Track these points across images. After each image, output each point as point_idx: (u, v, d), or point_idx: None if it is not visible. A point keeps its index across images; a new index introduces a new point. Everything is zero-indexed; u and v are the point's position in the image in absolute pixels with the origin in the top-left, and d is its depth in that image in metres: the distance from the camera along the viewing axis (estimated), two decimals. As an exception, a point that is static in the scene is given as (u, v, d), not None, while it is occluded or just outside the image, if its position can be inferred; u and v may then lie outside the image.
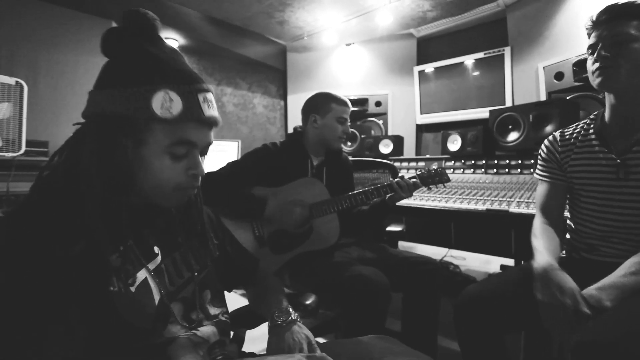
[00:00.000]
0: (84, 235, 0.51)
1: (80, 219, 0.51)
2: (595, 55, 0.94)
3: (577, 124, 1.12)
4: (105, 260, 0.53)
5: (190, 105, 0.56)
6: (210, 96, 0.61)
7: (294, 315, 0.73)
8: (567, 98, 2.04)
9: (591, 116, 1.08)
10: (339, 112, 1.41)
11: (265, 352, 0.69)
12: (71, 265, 0.50)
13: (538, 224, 1.09)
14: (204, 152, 0.63)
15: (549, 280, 0.87)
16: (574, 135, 1.08)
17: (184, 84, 0.57)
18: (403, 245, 3.35)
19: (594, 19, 0.95)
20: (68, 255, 0.49)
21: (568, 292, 0.82)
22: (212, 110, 0.60)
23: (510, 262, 2.45)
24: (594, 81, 0.96)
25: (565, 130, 1.12)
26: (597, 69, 0.93)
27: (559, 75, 2.35)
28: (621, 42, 0.89)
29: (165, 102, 0.54)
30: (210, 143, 0.62)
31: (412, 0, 2.68)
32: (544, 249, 0.98)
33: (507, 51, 2.81)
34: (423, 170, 1.34)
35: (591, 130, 1.04)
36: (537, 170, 1.17)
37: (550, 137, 1.14)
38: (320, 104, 1.42)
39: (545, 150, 1.14)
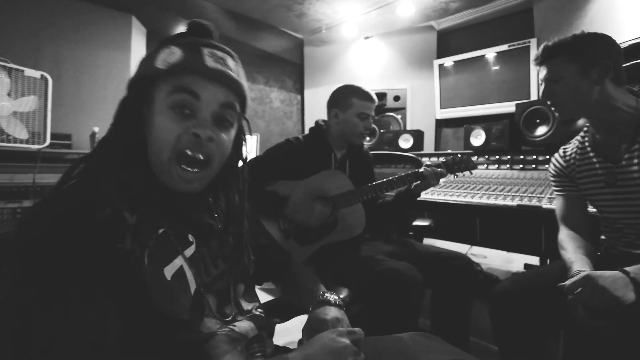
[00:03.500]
0: (105, 201, 0.49)
1: (102, 186, 0.50)
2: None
3: (574, 140, 1.18)
4: (121, 217, 0.49)
5: (190, 56, 0.54)
6: (220, 54, 0.57)
7: (340, 301, 0.71)
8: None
9: (584, 128, 1.14)
10: (360, 107, 1.35)
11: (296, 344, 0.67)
12: (95, 235, 0.46)
13: (563, 236, 1.09)
14: (222, 118, 0.57)
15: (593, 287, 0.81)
16: (573, 150, 1.14)
17: (189, 38, 0.56)
18: (426, 241, 3.30)
19: (533, 59, 1.04)
20: (95, 220, 0.47)
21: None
22: (218, 65, 0.55)
23: (535, 260, 2.38)
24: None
25: (565, 148, 1.19)
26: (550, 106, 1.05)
27: (589, 68, 2.26)
28: (556, 80, 0.98)
29: (166, 56, 0.53)
30: (222, 102, 0.56)
31: (435, -9, 2.62)
32: (576, 258, 0.96)
33: (533, 43, 2.71)
34: (448, 158, 1.31)
35: (587, 144, 1.10)
36: (552, 187, 1.22)
37: (555, 156, 1.21)
38: (341, 99, 1.38)
39: (553, 167, 1.19)
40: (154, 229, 0.53)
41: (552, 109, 1.04)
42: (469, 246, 2.90)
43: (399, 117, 3.28)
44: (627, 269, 0.81)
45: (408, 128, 3.25)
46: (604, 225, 1.11)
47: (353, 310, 1.36)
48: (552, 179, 1.20)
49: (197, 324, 0.55)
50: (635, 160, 0.95)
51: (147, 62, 0.55)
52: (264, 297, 0.87)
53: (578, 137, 1.15)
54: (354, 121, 1.36)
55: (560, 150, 1.19)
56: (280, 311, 0.85)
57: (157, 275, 0.51)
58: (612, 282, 0.78)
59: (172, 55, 0.53)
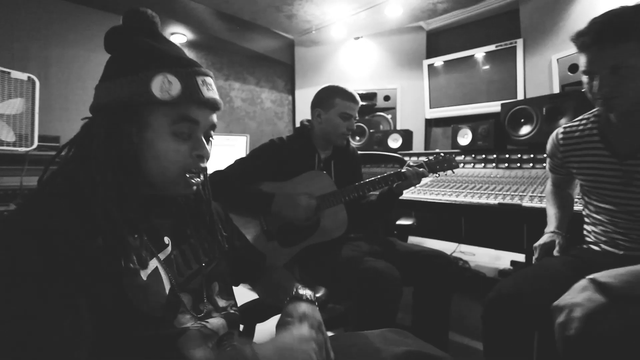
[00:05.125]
0: (101, 225, 0.52)
1: (95, 208, 0.52)
2: (592, 81, 0.88)
3: (581, 118, 1.07)
4: (126, 241, 0.54)
5: (189, 87, 0.58)
6: (209, 80, 0.62)
7: (312, 297, 0.73)
8: (582, 90, 2.00)
9: (594, 111, 1.02)
10: (343, 107, 1.36)
11: None
12: (89, 254, 0.50)
13: (550, 188, 1.18)
14: (208, 136, 0.64)
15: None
16: (577, 133, 1.04)
17: (182, 67, 0.58)
18: (412, 240, 3.33)
19: (579, 42, 0.87)
20: (90, 247, 0.50)
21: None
22: (211, 93, 0.62)
23: (521, 257, 2.42)
24: (597, 105, 0.92)
25: (569, 126, 1.08)
26: (598, 98, 0.88)
27: (573, 68, 2.30)
28: (621, 67, 0.82)
29: (164, 85, 0.56)
30: (213, 125, 0.64)
31: (422, -8, 2.64)
32: (553, 220, 1.12)
33: (519, 43, 2.75)
34: (431, 158, 1.32)
35: (595, 130, 1.00)
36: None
37: (554, 134, 1.12)
38: (324, 99, 1.39)
39: (549, 146, 1.16)
40: (130, 234, 0.56)
41: (599, 102, 0.89)
42: (457, 244, 2.94)
43: (389, 116, 3.31)
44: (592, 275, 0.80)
45: (398, 127, 3.28)
46: (592, 215, 1.07)
47: (338, 309, 1.38)
48: (547, 155, 1.19)
49: (171, 320, 0.58)
50: None
51: (139, 87, 0.56)
52: (251, 296, 0.88)
53: (586, 119, 1.05)
54: (337, 121, 1.37)
55: (560, 130, 1.11)
56: (259, 311, 0.87)
57: (133, 276, 0.55)
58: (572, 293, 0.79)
59: (170, 85, 0.57)
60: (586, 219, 1.11)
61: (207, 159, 0.64)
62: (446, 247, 3.01)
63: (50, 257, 0.47)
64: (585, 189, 1.07)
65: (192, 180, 0.62)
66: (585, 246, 1.10)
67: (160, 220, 0.64)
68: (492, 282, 2.30)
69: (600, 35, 0.82)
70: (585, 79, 0.91)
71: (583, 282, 0.80)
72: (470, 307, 2.07)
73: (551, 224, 1.15)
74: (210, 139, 0.66)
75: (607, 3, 2.15)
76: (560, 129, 1.10)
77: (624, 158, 0.93)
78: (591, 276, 0.80)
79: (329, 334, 0.67)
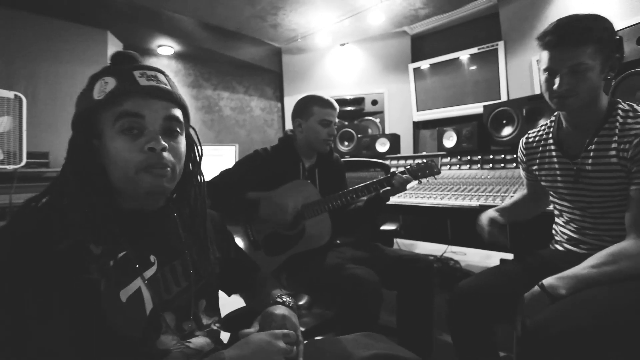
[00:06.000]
0: (68, 233, 0.53)
1: (64, 219, 0.54)
2: (552, 79, 0.94)
3: (541, 125, 1.18)
4: (87, 248, 0.54)
5: (123, 81, 0.58)
6: (150, 72, 0.61)
7: (294, 303, 0.75)
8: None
9: (552, 118, 1.13)
10: (322, 114, 1.40)
11: None
12: (58, 265, 0.51)
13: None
14: (168, 129, 0.61)
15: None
16: (535, 141, 1.16)
17: (119, 66, 0.60)
18: (404, 243, 3.37)
19: (544, 40, 0.93)
20: (54, 251, 0.51)
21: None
22: (151, 82, 0.59)
23: (510, 256, 2.46)
24: (552, 103, 0.99)
25: (529, 135, 1.19)
26: (555, 97, 0.95)
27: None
28: (578, 71, 0.89)
29: (102, 86, 0.58)
30: (169, 116, 0.60)
31: (403, -1, 2.69)
32: (497, 209, 1.20)
33: (500, 45, 2.81)
34: (412, 165, 1.35)
35: (550, 135, 1.10)
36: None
37: (520, 141, 1.22)
38: (303, 108, 1.42)
39: (518, 153, 1.23)
40: (115, 254, 0.57)
41: (555, 100, 0.96)
42: (447, 245, 2.97)
43: (377, 120, 3.36)
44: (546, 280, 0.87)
45: (387, 131, 3.32)
46: (557, 216, 1.15)
47: (328, 315, 1.41)
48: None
49: (153, 341, 0.58)
50: (589, 160, 0.97)
51: (84, 97, 0.59)
52: (241, 304, 0.91)
53: (543, 127, 1.15)
54: (317, 128, 1.40)
55: (522, 139, 1.21)
56: (246, 319, 0.89)
57: (113, 298, 0.55)
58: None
59: (106, 85, 0.57)
60: (555, 219, 1.18)
61: (165, 150, 0.59)
62: (437, 248, 3.05)
63: (31, 284, 0.49)
64: (547, 189, 1.14)
65: (154, 176, 0.58)
66: (552, 247, 1.16)
67: (148, 238, 0.63)
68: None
69: (564, 35, 0.89)
70: (544, 77, 0.97)
71: (534, 289, 0.87)
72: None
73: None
74: (177, 130, 0.62)
75: (579, 7, 2.21)
76: (523, 139, 1.20)
77: (574, 158, 1.02)
78: (541, 282, 0.87)
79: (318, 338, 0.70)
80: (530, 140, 1.17)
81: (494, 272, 1.12)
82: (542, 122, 1.20)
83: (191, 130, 0.70)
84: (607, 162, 0.94)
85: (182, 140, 0.64)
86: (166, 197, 0.68)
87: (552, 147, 1.09)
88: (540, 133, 1.15)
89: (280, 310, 0.70)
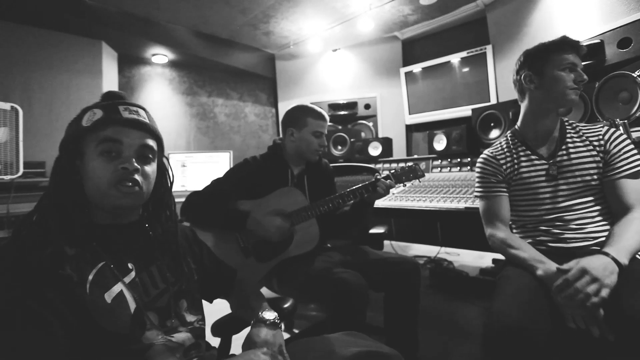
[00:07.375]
0: (44, 238, 0.61)
1: (47, 232, 0.62)
2: (578, 75, 1.10)
3: (497, 142, 1.28)
4: (61, 249, 0.62)
5: (108, 112, 0.68)
6: (134, 108, 0.71)
7: (277, 319, 0.79)
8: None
9: (508, 135, 1.25)
10: (315, 126, 1.45)
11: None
12: (42, 267, 0.58)
13: (504, 234, 1.12)
14: (142, 155, 0.70)
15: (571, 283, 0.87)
16: (505, 149, 1.23)
17: (107, 101, 0.70)
18: (399, 245, 3.41)
19: (572, 41, 1.12)
20: (38, 257, 0.59)
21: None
22: (132, 115, 0.70)
23: (501, 256, 2.50)
24: (571, 96, 1.11)
25: (492, 151, 1.25)
26: (577, 89, 1.11)
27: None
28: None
29: (90, 116, 0.68)
30: (144, 145, 0.70)
31: (392, 6, 2.75)
32: (540, 256, 1.02)
33: (488, 49, 2.86)
34: (397, 169, 1.39)
35: (519, 143, 1.21)
36: (478, 189, 1.24)
37: (484, 157, 1.25)
38: (297, 118, 1.46)
39: (488, 168, 1.22)
40: (94, 263, 0.64)
41: (578, 92, 1.13)
42: (439, 247, 3.02)
43: (370, 124, 3.41)
44: (606, 250, 0.91)
45: (380, 134, 3.37)
46: (534, 220, 1.14)
47: (321, 317, 1.44)
48: (483, 181, 1.22)
49: (139, 336, 0.64)
50: (566, 157, 1.12)
51: (74, 124, 0.69)
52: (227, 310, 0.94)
53: (503, 142, 1.25)
54: (310, 139, 1.45)
55: (488, 152, 1.24)
56: (234, 324, 0.92)
57: (98, 299, 0.62)
58: (603, 270, 0.85)
59: (94, 115, 0.68)
60: (523, 226, 1.20)
61: (137, 172, 0.68)
62: (431, 249, 3.09)
63: (20, 289, 0.56)
64: (523, 192, 1.17)
65: (124, 191, 0.67)
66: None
67: (124, 247, 0.70)
68: (474, 281, 2.38)
69: (576, 45, 1.12)
70: (563, 74, 1.11)
71: (603, 259, 0.89)
72: (443, 301, 2.14)
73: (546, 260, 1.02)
74: (150, 157, 0.72)
75: (562, 13, 2.28)
76: (488, 152, 1.25)
77: (549, 158, 1.15)
78: (605, 251, 0.91)
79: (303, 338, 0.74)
80: (497, 154, 1.23)
81: (532, 286, 0.97)
82: (496, 140, 1.33)
83: (164, 160, 0.79)
84: (584, 155, 1.10)
85: (154, 166, 0.73)
86: (138, 213, 0.76)
87: (527, 151, 1.19)
88: (505, 146, 1.23)
89: (262, 334, 0.75)
